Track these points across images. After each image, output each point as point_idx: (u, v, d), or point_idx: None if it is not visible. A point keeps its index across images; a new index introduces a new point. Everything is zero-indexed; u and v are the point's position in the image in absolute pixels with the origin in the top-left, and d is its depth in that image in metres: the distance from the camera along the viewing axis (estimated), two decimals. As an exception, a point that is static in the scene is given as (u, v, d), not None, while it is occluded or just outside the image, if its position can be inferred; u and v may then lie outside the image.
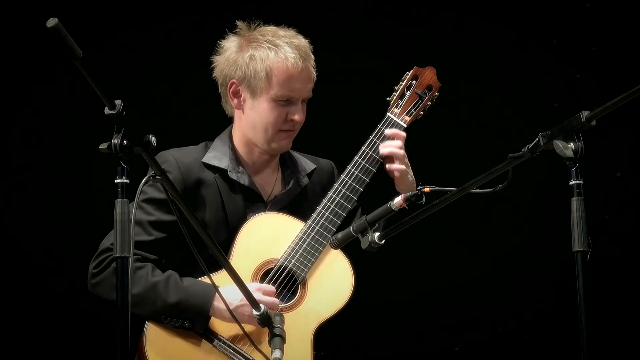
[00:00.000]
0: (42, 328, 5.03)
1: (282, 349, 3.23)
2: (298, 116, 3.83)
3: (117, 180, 2.77)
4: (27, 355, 5.03)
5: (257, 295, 3.53)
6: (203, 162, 3.86)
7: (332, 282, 3.79)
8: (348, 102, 5.23)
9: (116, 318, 2.74)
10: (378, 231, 3.20)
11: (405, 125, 3.90)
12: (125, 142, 2.76)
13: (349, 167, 3.85)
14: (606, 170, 5.28)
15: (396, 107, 3.93)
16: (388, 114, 3.92)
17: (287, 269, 3.76)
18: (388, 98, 3.94)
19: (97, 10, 5.05)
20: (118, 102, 2.75)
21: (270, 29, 3.87)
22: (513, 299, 5.35)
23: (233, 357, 3.66)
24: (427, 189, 3.12)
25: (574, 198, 2.81)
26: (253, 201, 3.87)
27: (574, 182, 2.81)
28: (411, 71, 3.97)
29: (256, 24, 3.88)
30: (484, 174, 2.98)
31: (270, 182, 3.94)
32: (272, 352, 3.23)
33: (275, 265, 3.77)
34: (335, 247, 3.38)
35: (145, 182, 2.87)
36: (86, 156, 4.88)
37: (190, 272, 3.73)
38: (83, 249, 3.94)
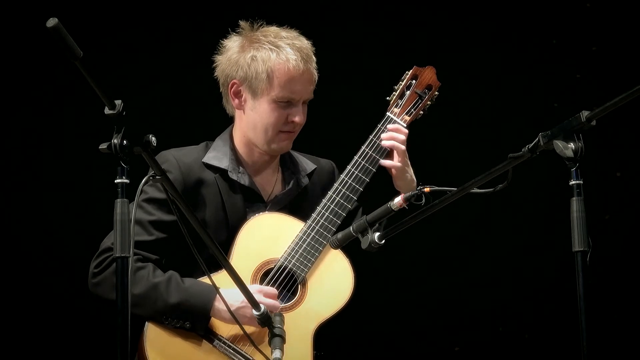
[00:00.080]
0: (42, 328, 5.03)
1: (282, 349, 3.23)
2: (299, 118, 3.83)
3: (117, 180, 2.77)
4: (27, 355, 5.03)
5: (258, 297, 3.53)
6: (203, 162, 3.86)
7: (332, 282, 3.79)
8: (348, 102, 5.23)
9: (116, 318, 2.74)
10: (378, 231, 3.20)
11: (405, 125, 3.91)
12: (125, 142, 2.76)
13: (349, 167, 3.85)
14: (606, 170, 5.28)
15: (396, 106, 3.93)
16: (388, 113, 3.92)
17: (287, 269, 3.76)
18: (388, 98, 3.94)
19: (97, 10, 5.05)
20: (118, 102, 2.74)
21: (273, 29, 3.87)
22: (513, 299, 5.35)
23: (233, 357, 3.66)
24: (427, 189, 3.12)
25: (574, 198, 2.81)
26: (253, 201, 3.87)
27: (574, 182, 2.81)
28: (411, 71, 3.97)
29: (259, 24, 3.88)
30: (484, 174, 2.98)
31: (270, 182, 3.94)
32: (272, 352, 3.23)
33: (275, 265, 3.77)
34: (335, 247, 3.38)
35: (145, 182, 2.87)
36: (86, 156, 4.88)
37: (191, 272, 3.73)
38: (83, 249, 3.94)
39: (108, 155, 2.78)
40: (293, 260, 3.76)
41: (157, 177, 2.88)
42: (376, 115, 3.93)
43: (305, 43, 3.86)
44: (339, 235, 3.30)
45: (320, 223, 3.79)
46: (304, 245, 3.77)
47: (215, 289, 3.45)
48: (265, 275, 3.77)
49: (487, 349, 5.39)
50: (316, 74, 3.87)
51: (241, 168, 3.88)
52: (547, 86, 5.33)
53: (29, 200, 5.05)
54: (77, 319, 5.01)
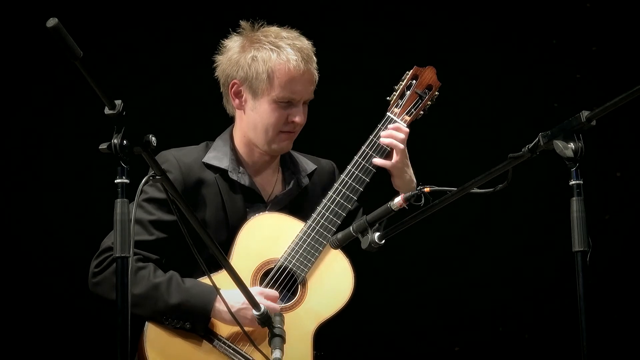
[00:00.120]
0: (42, 328, 5.03)
1: (282, 349, 3.23)
2: (299, 118, 3.83)
3: (117, 180, 2.77)
4: (27, 355, 5.03)
5: (259, 299, 3.53)
6: (203, 162, 3.86)
7: (332, 282, 3.79)
8: (348, 102, 5.23)
9: (116, 318, 2.74)
10: (378, 231, 3.20)
11: (405, 125, 3.90)
12: (125, 142, 2.76)
13: (349, 167, 3.85)
14: (606, 170, 5.28)
15: (396, 106, 3.93)
16: (388, 113, 3.92)
17: (287, 269, 3.76)
18: (388, 98, 3.94)
19: (97, 10, 5.05)
20: (118, 102, 2.75)
21: (274, 30, 3.87)
22: (513, 299, 5.35)
23: (233, 357, 3.66)
24: (427, 189, 3.12)
25: (574, 198, 2.80)
26: (253, 201, 3.87)
27: (574, 182, 2.81)
28: (411, 71, 3.97)
29: (260, 24, 3.88)
30: (484, 174, 2.98)
31: (270, 183, 3.93)
32: (272, 352, 3.23)
33: (275, 266, 3.77)
34: (335, 247, 3.38)
35: (146, 182, 2.87)
36: (86, 156, 4.88)
37: (191, 272, 3.72)
38: (83, 249, 3.94)
39: (108, 155, 2.78)
40: (293, 261, 3.76)
41: (157, 177, 2.88)
42: (376, 115, 3.93)
43: (305, 43, 3.86)
44: (339, 235, 3.30)
45: (320, 223, 3.79)
46: (304, 246, 3.77)
47: (216, 290, 3.45)
48: (265, 275, 3.77)
49: (487, 349, 5.39)
50: (317, 74, 3.86)
51: (241, 168, 3.88)
52: (547, 86, 5.33)
53: (29, 200, 5.05)
54: (77, 319, 5.01)
